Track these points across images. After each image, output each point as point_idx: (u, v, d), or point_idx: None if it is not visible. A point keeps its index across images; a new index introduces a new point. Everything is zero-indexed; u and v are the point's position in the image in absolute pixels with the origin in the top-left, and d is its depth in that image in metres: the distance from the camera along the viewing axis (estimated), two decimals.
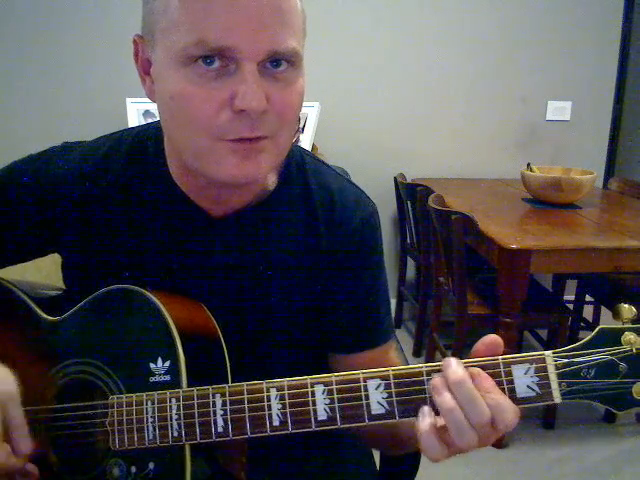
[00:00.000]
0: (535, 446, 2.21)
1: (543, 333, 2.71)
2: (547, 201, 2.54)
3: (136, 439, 0.68)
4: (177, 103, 0.64)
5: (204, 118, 0.63)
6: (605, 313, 2.74)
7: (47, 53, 2.87)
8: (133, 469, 0.70)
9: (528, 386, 0.59)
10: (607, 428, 2.32)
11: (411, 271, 3.31)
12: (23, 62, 2.86)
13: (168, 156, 0.78)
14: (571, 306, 2.73)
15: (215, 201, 0.77)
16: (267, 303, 0.81)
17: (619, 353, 0.58)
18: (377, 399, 0.62)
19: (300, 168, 0.83)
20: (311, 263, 0.81)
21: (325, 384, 0.63)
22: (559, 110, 3.28)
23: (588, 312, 2.90)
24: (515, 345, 2.14)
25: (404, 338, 3.13)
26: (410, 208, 2.96)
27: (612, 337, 0.59)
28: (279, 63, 0.64)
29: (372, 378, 0.62)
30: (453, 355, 2.10)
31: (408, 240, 3.10)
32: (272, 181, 0.80)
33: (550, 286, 3.01)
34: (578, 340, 2.16)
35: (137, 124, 2.49)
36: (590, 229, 2.29)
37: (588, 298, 2.83)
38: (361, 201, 0.84)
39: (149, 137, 0.81)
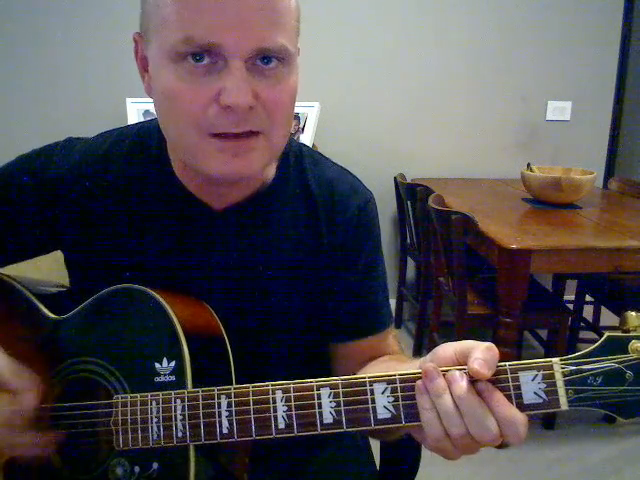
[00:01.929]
0: (535, 446, 2.21)
1: (543, 333, 2.71)
2: (547, 201, 2.54)
3: (140, 439, 0.68)
4: (168, 99, 0.66)
5: (192, 114, 0.64)
6: (605, 313, 2.74)
7: (47, 53, 2.86)
8: (137, 469, 0.70)
9: (535, 393, 0.59)
10: (607, 428, 2.32)
11: (411, 271, 3.31)
12: (23, 62, 2.86)
13: (170, 152, 0.79)
14: (571, 306, 2.73)
15: (216, 195, 0.78)
16: (267, 297, 0.81)
17: (626, 361, 0.58)
18: (383, 403, 0.62)
19: (298, 159, 0.84)
20: (310, 251, 0.82)
21: (331, 387, 0.63)
22: (559, 110, 3.28)
23: (588, 312, 2.90)
24: (515, 345, 2.14)
25: (404, 338, 3.13)
26: (410, 208, 2.95)
27: (619, 345, 0.58)
28: (269, 60, 0.65)
29: (378, 382, 0.62)
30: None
31: (408, 240, 3.10)
32: (271, 173, 0.81)
33: (550, 286, 3.01)
34: (578, 340, 2.14)
35: None
36: (590, 229, 2.29)
37: (588, 298, 2.83)
38: (358, 189, 0.85)
39: (151, 134, 0.81)
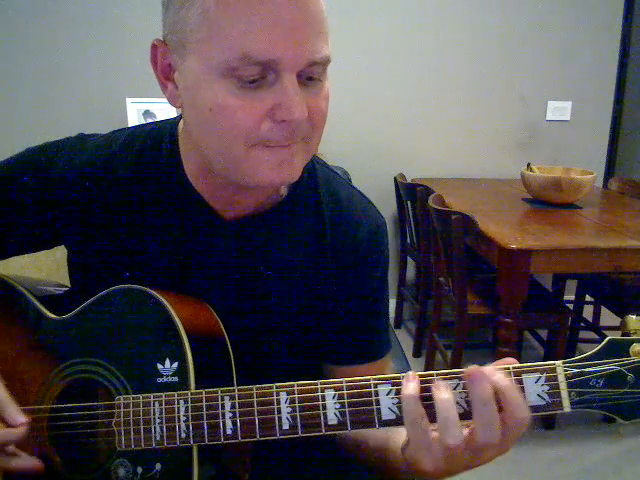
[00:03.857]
0: (535, 446, 2.21)
1: (543, 333, 2.71)
2: (547, 201, 2.54)
3: (143, 439, 0.68)
4: (218, 114, 0.64)
5: (244, 128, 0.64)
6: (605, 313, 2.74)
7: (47, 53, 2.86)
8: (139, 470, 0.70)
9: (538, 395, 0.59)
10: (607, 428, 2.32)
11: (411, 271, 3.32)
12: (23, 62, 2.86)
13: (185, 157, 0.78)
14: (571, 306, 2.73)
15: (229, 203, 0.78)
16: (268, 306, 0.81)
17: (627, 364, 0.59)
18: (388, 405, 0.62)
19: (311, 175, 0.83)
20: (315, 270, 0.81)
21: (336, 389, 0.63)
22: (559, 110, 3.29)
23: (588, 312, 2.91)
24: (515, 345, 2.14)
25: (404, 338, 3.13)
26: (410, 208, 2.96)
27: (621, 348, 0.60)
28: (313, 71, 0.65)
29: (383, 383, 0.62)
30: (453, 356, 2.09)
31: (408, 240, 3.10)
32: (284, 186, 0.81)
33: (550, 286, 3.01)
34: (578, 340, 2.15)
35: (137, 124, 2.48)
36: (590, 229, 2.29)
37: (588, 298, 2.83)
38: (370, 212, 0.84)
39: (162, 137, 0.80)
